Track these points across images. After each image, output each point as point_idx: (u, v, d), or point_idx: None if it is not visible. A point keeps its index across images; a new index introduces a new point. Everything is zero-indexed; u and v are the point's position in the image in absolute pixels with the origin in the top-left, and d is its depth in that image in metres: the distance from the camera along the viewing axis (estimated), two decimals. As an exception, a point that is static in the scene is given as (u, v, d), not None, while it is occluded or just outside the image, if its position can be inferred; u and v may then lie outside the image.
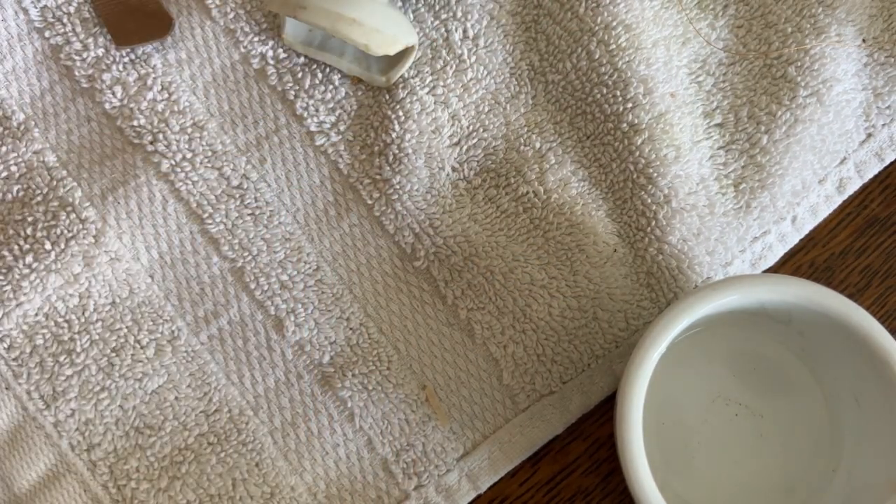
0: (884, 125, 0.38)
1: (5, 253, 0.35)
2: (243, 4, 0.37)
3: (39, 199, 0.35)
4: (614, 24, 0.35)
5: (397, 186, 0.36)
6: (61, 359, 0.35)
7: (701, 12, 0.38)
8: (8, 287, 0.34)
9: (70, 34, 0.36)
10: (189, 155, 0.36)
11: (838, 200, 0.38)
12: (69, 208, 0.35)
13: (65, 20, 0.36)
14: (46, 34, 0.37)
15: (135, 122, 0.36)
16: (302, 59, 0.37)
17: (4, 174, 0.36)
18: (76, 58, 0.36)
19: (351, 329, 0.36)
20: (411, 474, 0.35)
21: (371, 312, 0.36)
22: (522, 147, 0.37)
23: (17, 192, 0.36)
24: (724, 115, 0.37)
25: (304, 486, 0.35)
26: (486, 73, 0.37)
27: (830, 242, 0.38)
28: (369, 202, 0.36)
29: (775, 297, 0.31)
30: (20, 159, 0.36)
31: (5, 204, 0.35)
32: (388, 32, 0.33)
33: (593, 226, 0.36)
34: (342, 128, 0.37)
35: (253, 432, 0.35)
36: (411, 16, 0.37)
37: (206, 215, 0.36)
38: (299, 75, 0.37)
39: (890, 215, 0.38)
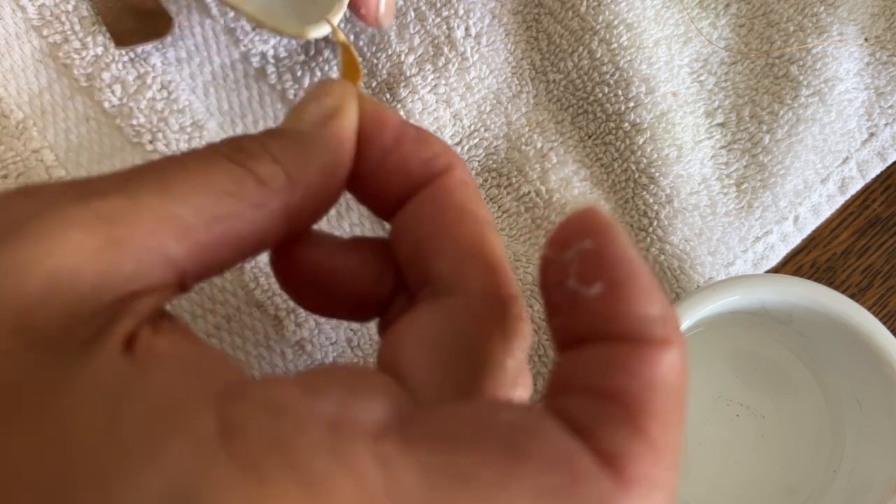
0: (886, 124, 0.38)
1: (4, 252, 0.34)
2: (243, 2, 0.37)
3: (38, 198, 0.35)
4: (616, 22, 0.35)
5: (398, 186, 0.35)
6: (60, 359, 0.34)
7: (702, 11, 0.38)
8: (6, 287, 0.34)
9: (68, 32, 0.36)
10: (189, 154, 0.36)
11: (840, 200, 0.38)
12: (68, 207, 0.35)
13: (63, 18, 0.36)
14: (44, 32, 0.36)
15: (134, 121, 0.36)
16: (302, 58, 0.36)
17: (2, 173, 0.35)
18: (75, 56, 0.36)
19: (352, 330, 0.36)
20: (412, 475, 0.35)
21: (372, 312, 0.36)
22: (524, 146, 0.36)
23: (16, 190, 0.35)
24: (725, 115, 0.37)
25: (305, 486, 0.35)
26: (488, 71, 0.36)
27: (832, 242, 0.38)
28: (370, 202, 0.36)
29: (777, 297, 0.31)
30: (18, 158, 0.36)
31: (4, 203, 0.35)
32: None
33: (595, 226, 0.36)
34: (343, 127, 0.36)
35: (253, 432, 0.35)
36: (412, 14, 0.36)
37: (205, 215, 0.36)
38: (299, 74, 0.36)
39: (892, 215, 0.38)
